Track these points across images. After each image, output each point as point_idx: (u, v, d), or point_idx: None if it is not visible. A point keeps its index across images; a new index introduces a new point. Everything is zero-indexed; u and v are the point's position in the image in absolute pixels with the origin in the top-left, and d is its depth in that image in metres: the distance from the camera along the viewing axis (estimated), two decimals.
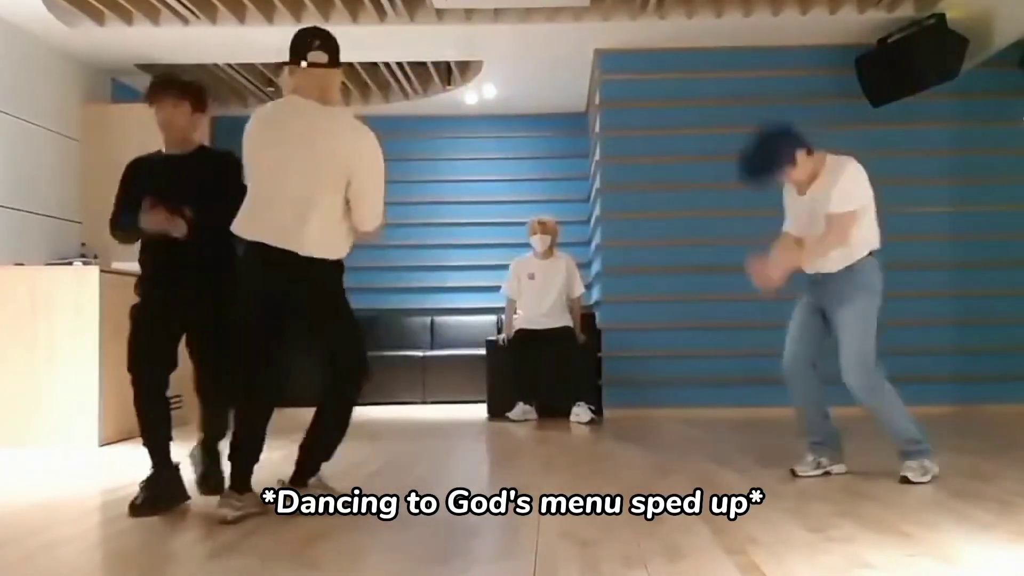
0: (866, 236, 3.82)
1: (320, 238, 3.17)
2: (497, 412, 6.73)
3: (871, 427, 4.66)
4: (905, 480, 3.70)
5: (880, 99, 6.37)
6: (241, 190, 3.29)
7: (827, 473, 3.95)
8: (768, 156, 3.78)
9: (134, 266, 5.26)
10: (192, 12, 6.04)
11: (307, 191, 3.15)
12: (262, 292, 3.20)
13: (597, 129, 7.10)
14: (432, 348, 8.28)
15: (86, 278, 5.31)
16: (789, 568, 2.45)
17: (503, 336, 6.89)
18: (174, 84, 3.53)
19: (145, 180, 3.50)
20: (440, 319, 8.51)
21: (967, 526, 2.93)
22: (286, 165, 3.17)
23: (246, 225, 3.22)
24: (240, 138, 3.28)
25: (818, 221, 3.79)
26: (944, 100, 6.58)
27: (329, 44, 3.26)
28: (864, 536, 2.80)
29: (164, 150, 3.58)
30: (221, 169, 3.52)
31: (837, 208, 3.71)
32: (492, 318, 8.20)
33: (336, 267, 3.28)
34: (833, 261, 3.81)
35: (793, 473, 3.94)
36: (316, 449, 3.36)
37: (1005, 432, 5.54)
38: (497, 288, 7.17)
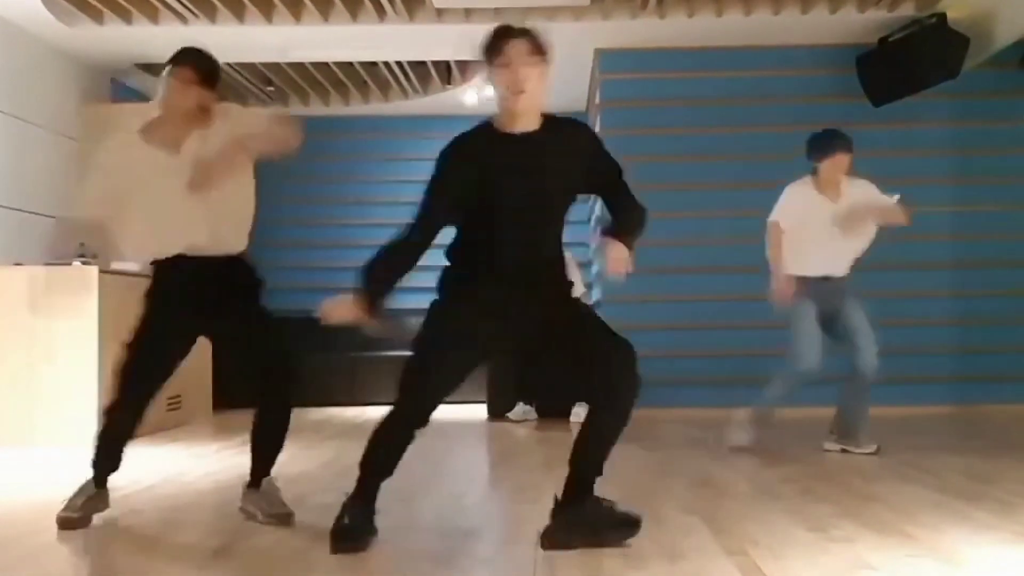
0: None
1: None
2: (497, 412, 6.72)
3: (874, 428, 4.64)
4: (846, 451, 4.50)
5: (881, 99, 6.36)
6: None
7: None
8: (840, 138, 4.71)
9: (133, 267, 5.24)
10: (191, 11, 6.03)
11: None
12: None
13: (597, 128, 7.08)
14: None
15: (85, 278, 5.29)
16: (790, 569, 2.44)
17: None
18: None
19: None
20: None
21: (968, 526, 2.93)
22: None
23: None
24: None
25: (847, 219, 4.47)
26: (945, 100, 6.57)
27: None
28: (865, 537, 2.79)
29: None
30: None
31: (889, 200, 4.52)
32: None
33: None
34: (847, 262, 4.58)
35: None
36: None
37: (1005, 432, 5.53)
38: None
